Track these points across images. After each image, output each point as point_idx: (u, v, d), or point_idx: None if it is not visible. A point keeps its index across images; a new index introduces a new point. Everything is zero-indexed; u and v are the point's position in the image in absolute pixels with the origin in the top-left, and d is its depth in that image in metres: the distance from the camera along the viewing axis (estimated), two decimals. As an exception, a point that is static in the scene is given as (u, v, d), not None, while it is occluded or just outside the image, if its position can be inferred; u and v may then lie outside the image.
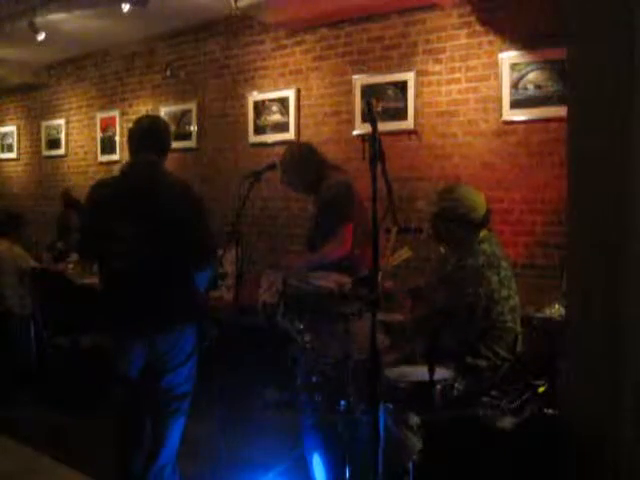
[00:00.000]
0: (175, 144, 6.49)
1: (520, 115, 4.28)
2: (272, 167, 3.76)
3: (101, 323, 2.99)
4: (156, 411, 2.85)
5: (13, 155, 8.67)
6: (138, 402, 2.85)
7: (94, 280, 4.31)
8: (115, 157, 7.10)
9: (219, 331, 3.41)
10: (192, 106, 6.31)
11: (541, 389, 2.45)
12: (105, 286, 2.91)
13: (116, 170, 6.75)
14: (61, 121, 7.88)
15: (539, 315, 3.52)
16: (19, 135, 8.58)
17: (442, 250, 3.16)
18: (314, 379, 2.96)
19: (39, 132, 8.20)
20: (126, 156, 6.90)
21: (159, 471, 2.88)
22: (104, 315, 2.91)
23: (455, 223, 2.92)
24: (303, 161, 3.68)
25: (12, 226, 5.09)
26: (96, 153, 7.38)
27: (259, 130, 5.79)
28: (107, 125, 7.23)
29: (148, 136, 2.87)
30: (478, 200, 2.95)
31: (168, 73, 6.51)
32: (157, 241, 2.71)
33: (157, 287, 2.74)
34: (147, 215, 2.73)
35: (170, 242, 2.73)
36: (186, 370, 2.86)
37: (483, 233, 2.93)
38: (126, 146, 6.60)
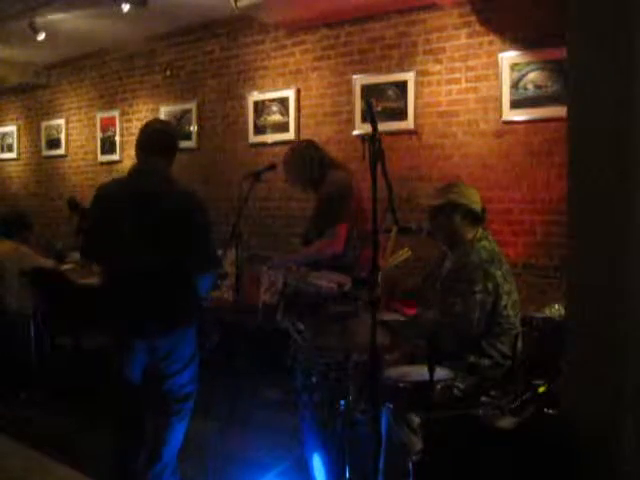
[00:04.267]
0: (175, 144, 6.52)
1: (520, 115, 4.28)
2: (272, 167, 3.76)
3: (104, 324, 3.00)
4: (159, 412, 2.85)
5: (13, 155, 8.66)
6: (139, 403, 2.85)
7: (94, 280, 4.31)
8: (115, 157, 7.10)
9: (220, 336, 3.42)
10: (192, 106, 6.31)
11: (541, 389, 2.45)
12: (107, 287, 2.91)
13: (118, 171, 6.77)
14: (61, 121, 7.88)
15: (539, 315, 3.52)
16: (19, 135, 8.57)
17: (440, 248, 3.16)
18: (314, 379, 2.96)
19: (39, 132, 8.20)
20: (126, 156, 6.91)
21: (160, 472, 2.88)
22: (106, 317, 2.92)
23: (458, 215, 2.94)
24: (305, 159, 3.69)
25: (19, 227, 5.09)
26: (96, 153, 7.38)
27: (259, 130, 5.79)
28: (107, 125, 7.23)
29: (157, 141, 2.87)
30: (475, 195, 3.03)
31: (168, 73, 6.51)
32: (159, 245, 2.71)
33: (158, 290, 2.74)
34: (150, 219, 2.73)
35: (172, 246, 2.73)
36: (188, 373, 2.86)
37: (480, 231, 2.96)
38: (126, 146, 6.59)
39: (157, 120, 3.30)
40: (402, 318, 3.12)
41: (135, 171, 2.87)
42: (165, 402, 2.83)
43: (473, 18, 4.49)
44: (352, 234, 3.51)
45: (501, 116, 4.36)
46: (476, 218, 2.97)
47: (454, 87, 4.60)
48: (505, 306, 2.84)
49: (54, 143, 8.00)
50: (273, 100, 5.66)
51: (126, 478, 2.92)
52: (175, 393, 2.83)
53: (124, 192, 2.82)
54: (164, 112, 6.54)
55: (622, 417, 2.08)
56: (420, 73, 4.75)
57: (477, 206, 2.98)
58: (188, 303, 2.85)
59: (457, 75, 4.58)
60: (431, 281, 3.15)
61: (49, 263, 5.10)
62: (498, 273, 2.84)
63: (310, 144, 3.84)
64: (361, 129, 4.99)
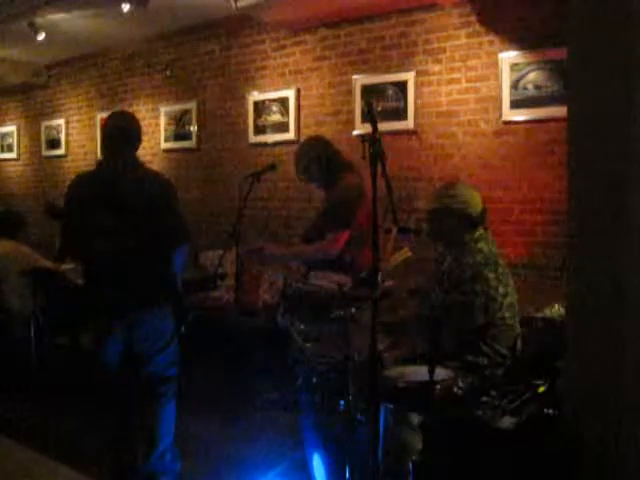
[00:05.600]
0: (175, 144, 6.53)
1: (520, 115, 4.29)
2: (272, 167, 3.77)
3: (86, 310, 3.10)
4: (145, 397, 2.91)
5: (13, 155, 8.67)
6: (122, 388, 2.92)
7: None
8: (115, 157, 7.10)
9: (193, 317, 3.46)
10: (192, 106, 6.31)
11: (541, 389, 2.45)
12: (86, 274, 3.05)
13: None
14: (61, 121, 7.88)
15: (539, 315, 3.52)
16: (19, 135, 8.58)
17: (439, 249, 3.16)
18: (314, 379, 2.96)
19: (39, 132, 8.21)
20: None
21: (160, 458, 2.92)
22: (87, 301, 3.03)
23: (453, 219, 2.94)
24: (311, 155, 3.68)
25: (18, 226, 5.11)
26: (96, 153, 7.38)
27: (259, 130, 5.79)
28: (107, 125, 7.22)
29: (120, 132, 3.03)
30: (475, 197, 3.00)
31: (168, 73, 6.51)
32: (132, 227, 2.85)
33: (133, 271, 2.87)
34: (121, 204, 2.87)
35: (144, 228, 2.87)
36: (169, 353, 2.97)
37: (479, 232, 2.95)
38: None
39: (116, 112, 3.45)
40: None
41: (103, 161, 3.08)
42: (151, 386, 2.90)
43: (473, 18, 4.49)
44: (356, 239, 3.50)
45: (501, 116, 4.36)
46: (473, 221, 2.96)
47: (454, 87, 4.60)
48: (500, 308, 2.84)
49: (54, 143, 8.01)
50: (273, 100, 5.67)
51: (126, 474, 2.95)
52: (159, 375, 2.91)
53: (94, 182, 3.01)
54: (164, 112, 6.54)
55: (622, 417, 2.08)
56: (420, 73, 4.75)
57: (475, 209, 2.95)
58: (163, 281, 2.96)
59: (457, 75, 4.58)
60: (431, 282, 3.15)
61: (49, 263, 5.10)
62: (491, 276, 2.84)
63: (320, 141, 3.82)
64: (361, 129, 4.99)
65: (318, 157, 3.66)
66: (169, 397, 2.99)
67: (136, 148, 3.07)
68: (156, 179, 3.05)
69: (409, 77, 4.79)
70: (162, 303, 2.94)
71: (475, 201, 2.97)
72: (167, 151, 6.57)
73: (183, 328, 3.12)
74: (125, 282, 2.86)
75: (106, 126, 3.10)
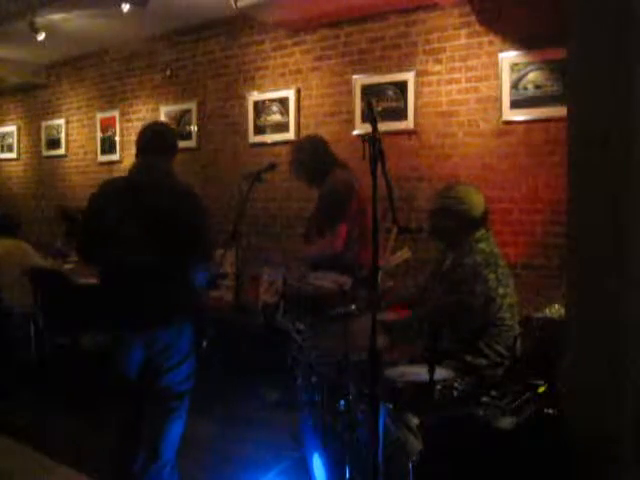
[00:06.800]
0: (175, 144, 6.53)
1: (520, 115, 4.28)
2: (272, 167, 3.77)
3: (101, 320, 3.03)
4: (155, 410, 2.87)
5: (13, 155, 8.67)
6: (136, 400, 2.87)
7: (94, 280, 4.31)
8: (115, 157, 7.10)
9: (216, 332, 3.44)
10: (192, 106, 6.31)
11: (541, 389, 2.45)
12: (105, 283, 2.95)
13: (118, 171, 6.80)
14: (61, 121, 7.88)
15: (539, 315, 3.52)
16: (19, 135, 8.58)
17: (441, 247, 3.16)
18: (314, 379, 2.96)
19: (39, 132, 8.20)
20: (126, 156, 6.91)
21: (159, 471, 2.88)
22: (104, 312, 2.95)
23: (452, 220, 2.94)
24: (310, 153, 3.73)
25: (18, 225, 5.13)
26: (96, 153, 7.38)
27: (259, 130, 5.79)
28: (107, 125, 7.23)
29: (154, 140, 2.95)
30: (477, 199, 2.99)
31: (168, 73, 6.51)
32: (158, 240, 2.76)
33: (155, 284, 2.79)
34: (149, 214, 2.78)
35: (169, 242, 2.78)
36: (185, 368, 2.89)
37: (481, 232, 2.95)
38: (126, 146, 6.63)
39: (155, 122, 3.39)
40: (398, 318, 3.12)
41: (136, 168, 2.93)
42: (162, 400, 2.85)
43: (473, 18, 4.49)
44: (351, 235, 3.51)
45: (501, 116, 4.36)
46: (474, 222, 2.95)
47: (454, 87, 4.60)
48: (499, 308, 2.84)
49: (54, 143, 8.01)
50: (273, 100, 5.67)
51: (125, 478, 2.93)
52: (172, 390, 2.85)
53: (124, 188, 2.88)
54: (164, 112, 6.54)
55: (622, 416, 2.08)
56: (420, 73, 4.75)
57: (476, 211, 2.94)
58: (185, 297, 2.89)
59: (457, 75, 4.58)
60: (432, 282, 3.16)
61: (48, 262, 5.10)
62: (492, 276, 2.83)
63: (317, 140, 3.87)
64: (361, 129, 4.99)
65: (309, 156, 3.72)
66: (179, 413, 2.91)
67: (170, 159, 2.99)
68: (187, 195, 2.95)
69: (409, 77, 4.79)
70: (180, 319, 2.89)
71: (476, 203, 2.96)
72: (167, 151, 6.56)
73: (205, 344, 3.07)
74: (145, 295, 2.78)
75: (140, 136, 3.00)
